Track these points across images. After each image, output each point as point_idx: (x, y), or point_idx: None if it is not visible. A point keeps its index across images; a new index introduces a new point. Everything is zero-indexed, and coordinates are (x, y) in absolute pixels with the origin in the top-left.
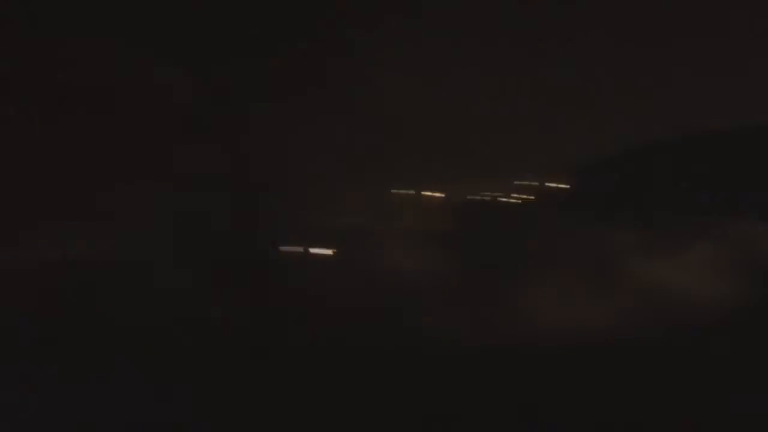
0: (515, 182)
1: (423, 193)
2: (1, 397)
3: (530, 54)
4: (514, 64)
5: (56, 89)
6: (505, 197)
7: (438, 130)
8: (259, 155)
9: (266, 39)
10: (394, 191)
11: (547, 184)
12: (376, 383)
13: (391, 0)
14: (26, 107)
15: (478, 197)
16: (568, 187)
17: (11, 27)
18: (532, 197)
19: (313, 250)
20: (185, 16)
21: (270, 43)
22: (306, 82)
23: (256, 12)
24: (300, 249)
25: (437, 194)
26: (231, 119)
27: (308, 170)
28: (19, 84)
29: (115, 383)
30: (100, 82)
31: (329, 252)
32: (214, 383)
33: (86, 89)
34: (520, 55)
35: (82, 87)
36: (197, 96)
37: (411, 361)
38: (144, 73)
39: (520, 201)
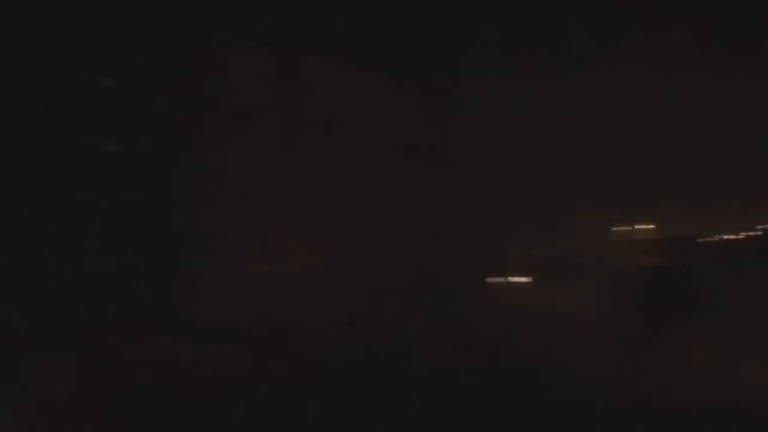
0: (741, 219)
1: (635, 227)
2: None
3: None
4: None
5: (292, 116)
6: (730, 234)
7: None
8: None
9: (497, 79)
10: (614, 228)
11: None
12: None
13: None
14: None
15: (690, 234)
16: None
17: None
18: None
19: (514, 280)
20: (422, 45)
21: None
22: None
23: (485, 52)
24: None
25: (649, 229)
26: (454, 149)
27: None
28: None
29: None
30: (332, 108)
31: (528, 281)
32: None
33: (319, 115)
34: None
35: (315, 113)
36: (425, 121)
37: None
38: (371, 96)
39: (743, 238)
